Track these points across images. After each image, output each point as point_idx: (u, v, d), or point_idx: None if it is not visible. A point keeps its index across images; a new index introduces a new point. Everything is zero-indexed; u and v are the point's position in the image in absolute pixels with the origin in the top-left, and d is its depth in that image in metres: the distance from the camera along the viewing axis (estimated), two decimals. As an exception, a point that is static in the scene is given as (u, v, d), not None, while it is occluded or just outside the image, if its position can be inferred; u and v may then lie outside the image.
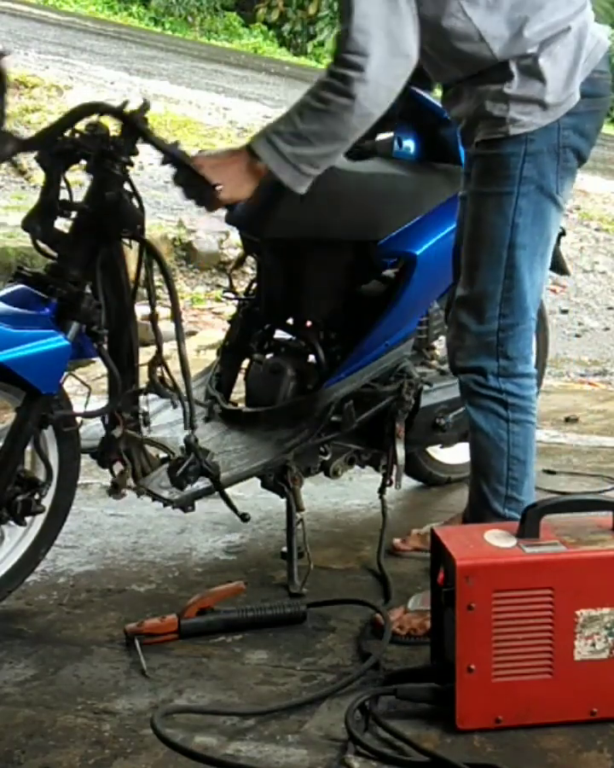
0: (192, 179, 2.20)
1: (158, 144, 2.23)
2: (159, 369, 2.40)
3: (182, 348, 2.38)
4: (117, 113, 2.25)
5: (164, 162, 2.23)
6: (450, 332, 2.42)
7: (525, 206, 2.25)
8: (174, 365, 2.47)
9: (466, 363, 2.35)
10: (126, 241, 2.37)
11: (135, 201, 2.32)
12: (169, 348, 2.48)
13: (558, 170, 2.26)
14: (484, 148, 2.28)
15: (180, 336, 2.39)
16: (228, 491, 2.53)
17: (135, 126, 2.24)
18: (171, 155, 2.23)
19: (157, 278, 2.45)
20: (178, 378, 2.48)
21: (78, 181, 2.33)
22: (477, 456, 2.40)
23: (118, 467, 2.49)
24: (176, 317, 2.38)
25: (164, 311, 2.43)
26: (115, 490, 2.49)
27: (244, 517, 2.54)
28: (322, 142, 2.14)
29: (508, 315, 2.31)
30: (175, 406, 2.50)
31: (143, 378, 2.49)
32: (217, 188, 2.19)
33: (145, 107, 2.24)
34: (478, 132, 2.27)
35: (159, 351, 2.39)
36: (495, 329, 2.31)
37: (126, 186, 2.30)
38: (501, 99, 2.22)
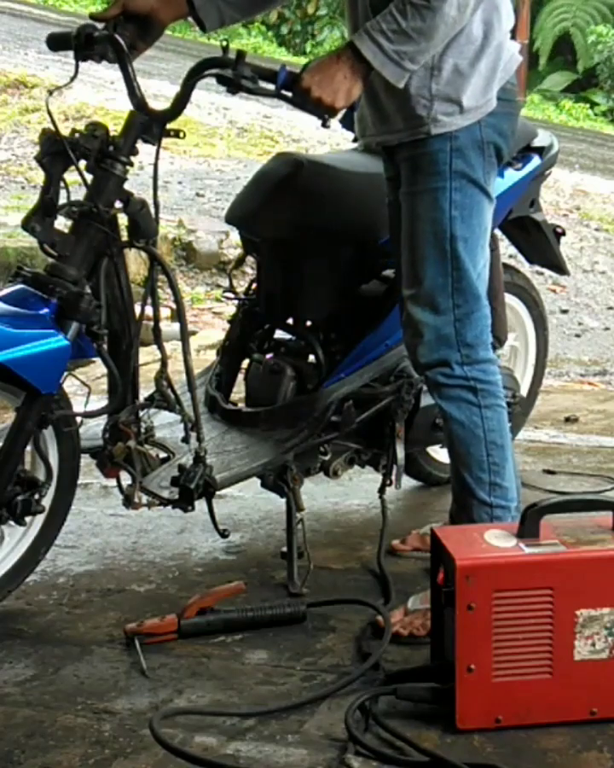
0: (303, 103, 2.24)
1: (253, 89, 2.26)
2: (164, 382, 2.43)
3: (188, 360, 2.40)
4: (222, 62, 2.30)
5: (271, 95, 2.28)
6: (406, 332, 2.46)
7: (459, 198, 2.34)
8: (175, 365, 2.48)
9: (428, 358, 2.39)
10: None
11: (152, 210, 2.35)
12: (170, 348, 2.49)
13: (484, 164, 2.36)
14: (410, 149, 2.36)
15: (186, 349, 2.41)
16: (228, 491, 2.53)
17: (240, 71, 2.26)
18: (274, 92, 2.28)
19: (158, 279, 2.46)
20: (181, 378, 2.49)
21: (76, 181, 2.33)
22: (455, 446, 2.44)
23: (126, 479, 2.50)
24: (182, 325, 2.41)
25: (163, 312, 2.43)
26: (128, 502, 2.49)
27: (223, 533, 2.56)
28: (423, 37, 2.19)
29: (462, 304, 2.37)
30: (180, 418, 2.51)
31: (144, 378, 2.50)
32: (326, 100, 2.22)
33: (241, 55, 2.27)
34: (400, 134, 2.36)
35: (164, 364, 2.41)
36: (451, 320, 2.37)
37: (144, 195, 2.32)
38: (426, 96, 2.31)
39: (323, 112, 2.23)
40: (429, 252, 2.36)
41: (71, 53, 2.37)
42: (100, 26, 2.36)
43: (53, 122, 2.29)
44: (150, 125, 2.34)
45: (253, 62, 2.29)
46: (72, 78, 2.36)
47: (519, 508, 2.32)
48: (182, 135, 2.37)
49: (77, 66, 2.35)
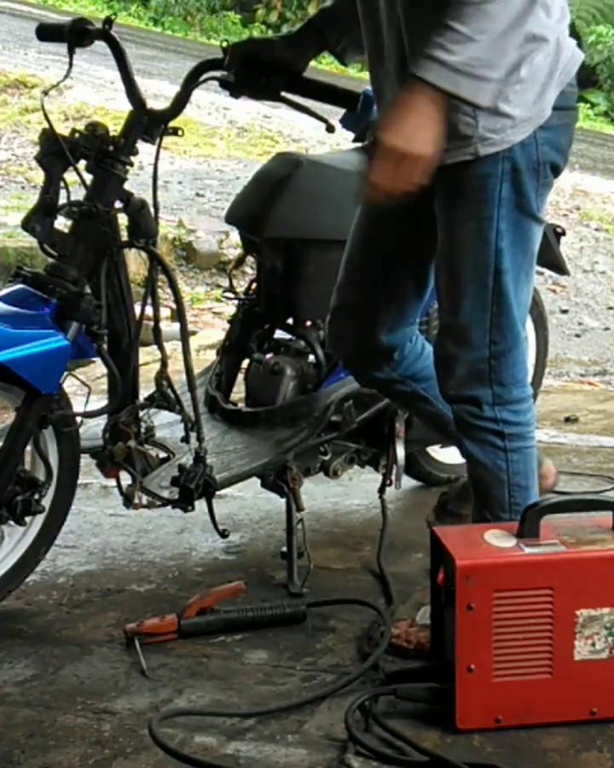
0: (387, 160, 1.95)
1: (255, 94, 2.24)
2: (164, 382, 2.43)
3: (188, 360, 2.40)
4: None
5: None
6: (437, 364, 2.28)
7: (506, 228, 2.11)
8: (175, 365, 2.48)
9: (457, 392, 2.23)
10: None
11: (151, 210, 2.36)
12: (170, 348, 2.49)
13: (538, 187, 2.12)
14: (450, 171, 2.08)
15: (186, 349, 2.41)
16: (228, 491, 2.53)
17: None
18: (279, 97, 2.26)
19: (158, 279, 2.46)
20: (181, 378, 2.49)
21: (76, 181, 2.33)
22: (476, 485, 2.29)
23: (125, 479, 2.50)
24: (182, 325, 2.41)
25: (163, 312, 2.43)
26: (128, 502, 2.49)
27: (223, 533, 2.56)
28: (490, 34, 1.88)
29: (500, 341, 2.18)
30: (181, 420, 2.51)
31: (144, 378, 2.50)
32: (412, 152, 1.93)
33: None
34: (441, 156, 2.01)
35: (164, 364, 2.41)
36: (486, 356, 2.18)
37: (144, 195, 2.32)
38: (469, 111, 2.02)
39: (415, 168, 1.94)
40: (469, 284, 2.15)
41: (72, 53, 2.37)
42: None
43: (48, 121, 2.29)
44: (150, 124, 2.34)
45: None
46: (66, 75, 2.36)
47: None
48: (180, 133, 2.37)
49: (70, 62, 2.35)
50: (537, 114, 2.07)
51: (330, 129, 2.40)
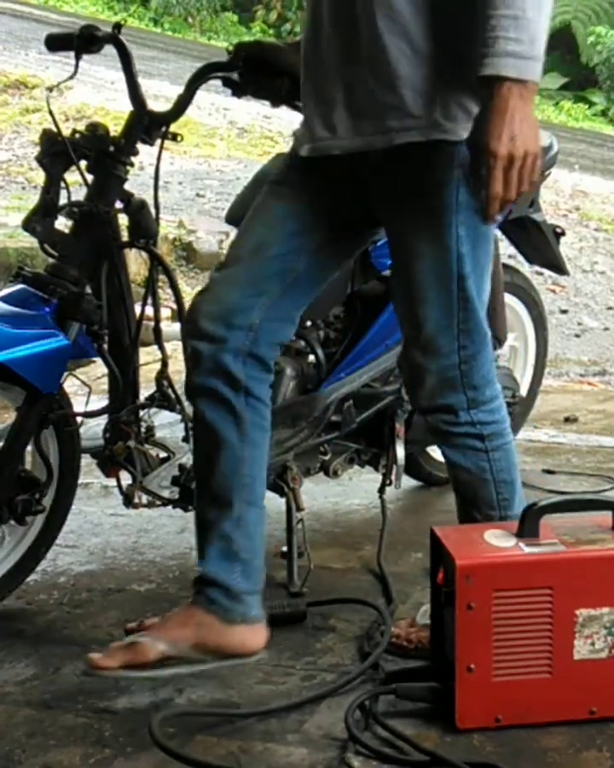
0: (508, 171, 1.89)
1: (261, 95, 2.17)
2: (164, 382, 2.43)
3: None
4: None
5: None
6: (404, 374, 2.23)
7: (465, 233, 2.03)
8: (175, 365, 2.48)
9: (431, 402, 2.17)
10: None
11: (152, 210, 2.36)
12: (170, 348, 2.49)
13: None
14: (394, 164, 2.00)
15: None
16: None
17: None
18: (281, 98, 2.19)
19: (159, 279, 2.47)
20: (181, 378, 2.49)
21: (77, 181, 2.34)
22: (460, 488, 2.26)
23: (125, 479, 2.50)
24: (182, 325, 2.40)
25: (164, 312, 2.44)
26: (129, 501, 2.50)
27: None
28: (538, 8, 1.83)
29: (468, 345, 2.12)
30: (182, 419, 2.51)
31: (144, 378, 2.50)
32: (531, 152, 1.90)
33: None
34: (387, 136, 1.97)
35: (164, 364, 2.41)
36: (456, 363, 2.12)
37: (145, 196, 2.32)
38: (426, 91, 1.94)
39: (531, 167, 1.89)
40: (431, 294, 2.08)
41: (72, 53, 2.37)
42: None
43: (54, 120, 2.29)
44: (150, 126, 2.35)
45: None
46: (71, 77, 2.36)
47: None
48: (179, 138, 2.37)
49: (76, 67, 2.35)
50: None
51: None
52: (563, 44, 21.63)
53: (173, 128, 2.37)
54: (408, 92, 1.94)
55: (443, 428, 2.20)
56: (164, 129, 2.35)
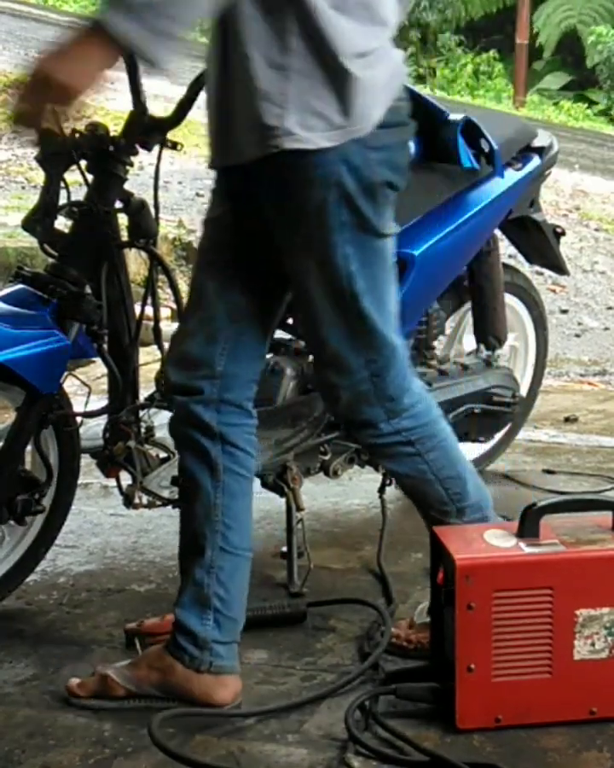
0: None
1: None
2: (164, 382, 2.42)
3: None
4: None
5: None
6: (321, 393, 2.25)
7: (353, 251, 1.98)
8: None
9: (351, 418, 2.16)
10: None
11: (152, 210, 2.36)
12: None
13: (376, 206, 1.99)
14: (279, 189, 1.97)
15: None
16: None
17: None
18: None
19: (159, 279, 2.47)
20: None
21: (76, 181, 2.33)
22: (410, 493, 2.25)
23: (125, 479, 2.50)
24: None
25: (164, 312, 2.44)
26: (128, 501, 2.50)
27: None
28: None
29: (377, 358, 2.08)
30: None
31: (144, 378, 2.50)
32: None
33: None
34: (246, 146, 1.94)
35: (164, 364, 2.41)
36: (367, 377, 2.08)
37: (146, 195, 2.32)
38: (277, 101, 1.88)
39: (58, 98, 1.81)
40: (327, 315, 2.03)
41: None
42: None
43: (55, 121, 2.28)
44: (150, 129, 2.34)
45: None
46: None
47: (490, 505, 2.25)
48: (179, 147, 2.37)
49: None
50: (355, 125, 1.91)
51: None
52: (566, 47, 21.65)
53: (171, 135, 2.36)
54: (263, 104, 1.89)
55: (369, 442, 2.19)
56: (162, 137, 2.34)
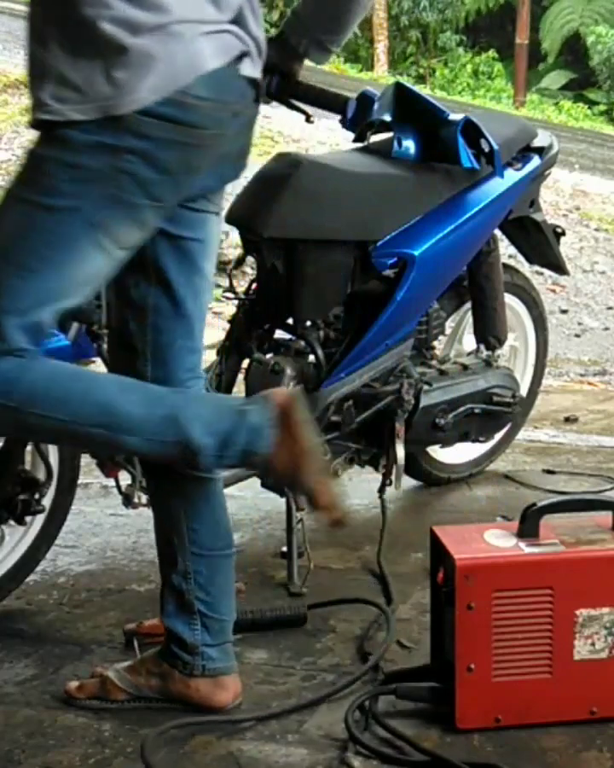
0: None
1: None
2: None
3: None
4: None
5: None
6: None
7: (52, 225, 1.78)
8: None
9: None
10: None
11: None
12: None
13: (107, 199, 1.78)
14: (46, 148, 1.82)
15: None
16: (228, 491, 2.52)
17: None
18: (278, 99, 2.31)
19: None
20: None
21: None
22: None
23: (125, 478, 2.50)
24: None
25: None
26: (128, 501, 2.50)
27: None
28: None
29: None
30: None
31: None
32: None
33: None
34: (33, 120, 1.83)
35: None
36: None
37: None
38: (43, 72, 1.84)
39: None
40: None
41: None
42: None
43: None
44: None
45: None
46: None
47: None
48: None
49: None
50: (108, 100, 1.75)
51: (308, 120, 2.43)
52: (566, 47, 21.68)
53: None
54: (29, 75, 1.89)
55: None
56: None
